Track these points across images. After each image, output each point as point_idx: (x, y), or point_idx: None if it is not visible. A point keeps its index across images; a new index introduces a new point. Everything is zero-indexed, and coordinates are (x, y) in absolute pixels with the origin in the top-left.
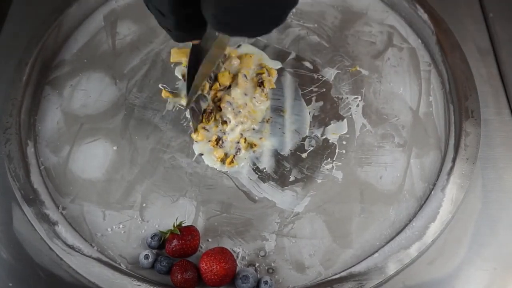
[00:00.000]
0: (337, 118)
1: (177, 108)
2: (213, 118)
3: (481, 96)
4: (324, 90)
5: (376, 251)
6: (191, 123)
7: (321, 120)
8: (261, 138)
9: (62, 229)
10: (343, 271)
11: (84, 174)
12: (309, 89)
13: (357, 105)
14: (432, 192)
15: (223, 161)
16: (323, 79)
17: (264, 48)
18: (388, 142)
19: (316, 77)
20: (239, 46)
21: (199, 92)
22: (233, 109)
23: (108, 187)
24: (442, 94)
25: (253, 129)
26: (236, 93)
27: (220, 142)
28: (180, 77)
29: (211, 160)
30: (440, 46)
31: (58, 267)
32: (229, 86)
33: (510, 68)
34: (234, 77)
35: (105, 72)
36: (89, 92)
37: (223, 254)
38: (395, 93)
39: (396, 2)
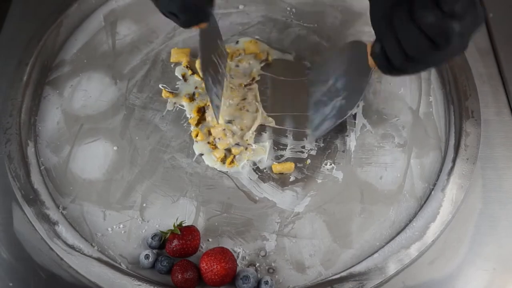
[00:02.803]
0: None
1: (177, 108)
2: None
3: (481, 96)
4: None
5: (376, 251)
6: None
7: None
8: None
9: (63, 229)
10: (343, 271)
11: (84, 174)
12: None
13: (357, 105)
14: (432, 192)
15: (223, 161)
16: None
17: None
18: (388, 142)
19: None
20: (237, 42)
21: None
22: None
23: (108, 187)
24: (442, 94)
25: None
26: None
27: (215, 140)
28: (180, 77)
29: (211, 160)
30: None
31: (58, 267)
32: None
33: (510, 68)
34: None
35: (105, 72)
36: (89, 92)
37: (224, 254)
38: (395, 93)
39: None
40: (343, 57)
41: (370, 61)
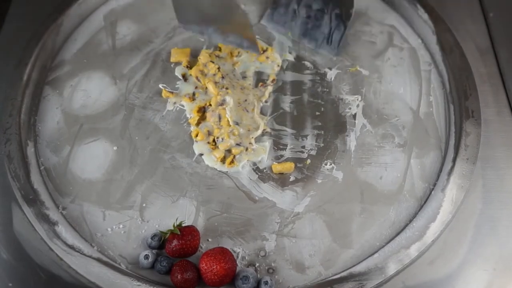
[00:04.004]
0: (337, 118)
1: (177, 108)
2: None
3: (481, 96)
4: (325, 90)
5: (376, 251)
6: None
7: (321, 120)
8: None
9: (62, 229)
10: (343, 271)
11: (84, 174)
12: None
13: (357, 105)
14: (432, 192)
15: (223, 161)
16: (324, 79)
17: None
18: (388, 142)
19: (316, 77)
20: None
21: None
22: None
23: (108, 187)
24: (442, 94)
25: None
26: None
27: (218, 139)
28: (180, 77)
29: (211, 160)
30: (440, 46)
31: (58, 267)
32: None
33: (510, 67)
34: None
35: (105, 72)
36: (89, 92)
37: (223, 254)
38: (395, 93)
39: (396, 2)
40: None
41: None
